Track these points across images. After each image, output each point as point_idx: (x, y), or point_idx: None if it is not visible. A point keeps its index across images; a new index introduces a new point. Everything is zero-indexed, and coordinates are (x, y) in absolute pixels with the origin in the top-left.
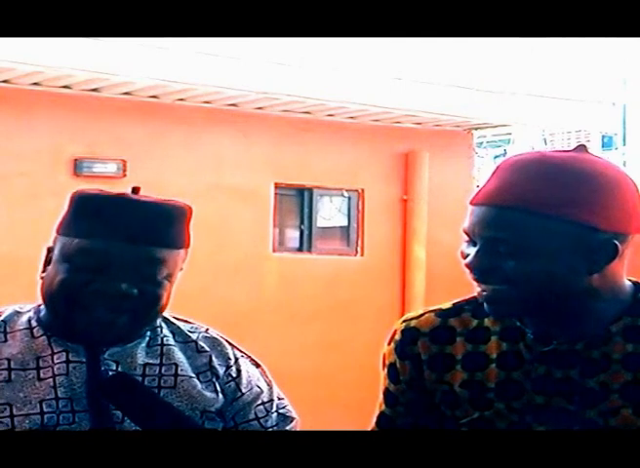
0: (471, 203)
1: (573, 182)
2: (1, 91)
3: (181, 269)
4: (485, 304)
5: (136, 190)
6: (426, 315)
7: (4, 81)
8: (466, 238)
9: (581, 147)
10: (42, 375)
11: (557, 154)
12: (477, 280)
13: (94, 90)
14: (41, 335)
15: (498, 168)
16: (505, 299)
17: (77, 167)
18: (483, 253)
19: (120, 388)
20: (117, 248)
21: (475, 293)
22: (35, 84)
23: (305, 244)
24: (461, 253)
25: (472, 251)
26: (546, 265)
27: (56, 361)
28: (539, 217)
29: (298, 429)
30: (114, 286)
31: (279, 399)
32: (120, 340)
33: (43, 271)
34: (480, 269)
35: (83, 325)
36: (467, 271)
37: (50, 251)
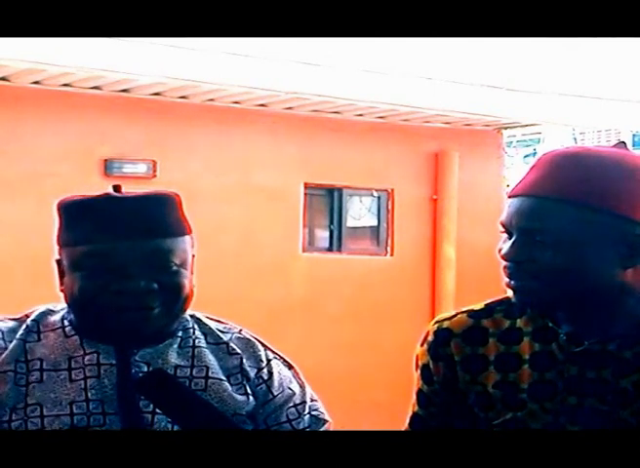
0: (509, 195)
1: (614, 175)
2: (32, 92)
3: (193, 256)
4: (515, 295)
5: (118, 188)
6: (459, 316)
7: (35, 82)
8: (502, 230)
9: (621, 144)
10: (73, 377)
11: (598, 148)
12: (510, 272)
13: (123, 91)
14: (73, 335)
15: (537, 161)
16: (537, 290)
17: (107, 167)
18: (519, 243)
19: (157, 385)
20: (124, 247)
21: (504, 285)
22: (65, 85)
23: (335, 244)
24: (499, 249)
25: (508, 243)
26: (581, 256)
27: (86, 362)
28: (576, 207)
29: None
30: (133, 284)
31: (312, 400)
32: (159, 336)
33: (61, 284)
34: (516, 260)
35: (115, 326)
36: (502, 263)
37: (59, 263)
